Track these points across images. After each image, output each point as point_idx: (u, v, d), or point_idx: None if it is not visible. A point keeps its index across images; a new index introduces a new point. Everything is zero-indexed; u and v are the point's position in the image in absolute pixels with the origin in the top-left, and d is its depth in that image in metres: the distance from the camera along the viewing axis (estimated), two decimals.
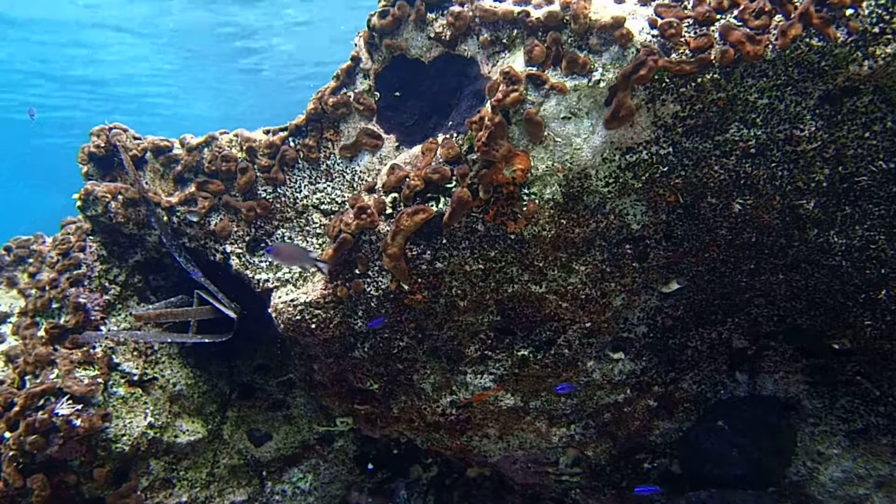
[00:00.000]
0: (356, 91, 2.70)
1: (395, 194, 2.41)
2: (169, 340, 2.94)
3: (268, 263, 2.82)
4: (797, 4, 1.96)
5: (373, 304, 2.53)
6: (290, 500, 3.32)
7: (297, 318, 2.63)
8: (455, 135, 2.38)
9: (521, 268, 2.42)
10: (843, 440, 2.67)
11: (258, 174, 2.80)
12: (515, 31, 2.27)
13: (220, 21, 11.22)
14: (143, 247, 3.00)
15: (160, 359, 2.97)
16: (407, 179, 2.35)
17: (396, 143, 2.67)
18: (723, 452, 2.70)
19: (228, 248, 2.84)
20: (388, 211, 2.41)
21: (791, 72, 2.00)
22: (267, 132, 2.84)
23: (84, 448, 2.59)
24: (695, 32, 2.04)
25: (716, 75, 2.02)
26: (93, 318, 2.84)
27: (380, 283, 2.48)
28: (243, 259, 2.84)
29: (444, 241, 2.35)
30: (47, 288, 2.91)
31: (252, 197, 2.81)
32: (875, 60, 1.92)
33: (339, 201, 2.77)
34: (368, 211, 2.41)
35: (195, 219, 2.83)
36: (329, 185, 2.78)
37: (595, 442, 2.93)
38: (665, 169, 2.19)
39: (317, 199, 2.79)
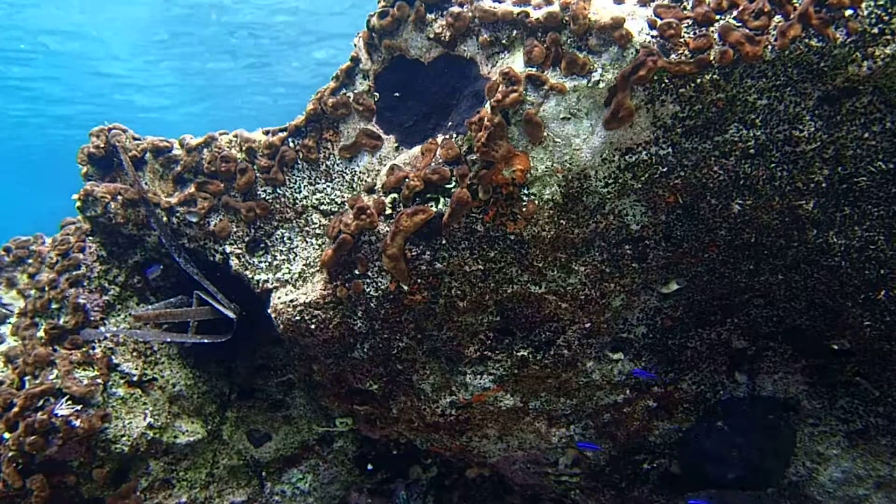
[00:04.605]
0: (356, 92, 2.70)
1: (395, 195, 2.41)
2: (169, 340, 2.94)
3: (267, 264, 2.82)
4: (796, 5, 1.96)
5: (372, 305, 2.53)
6: (289, 500, 3.32)
7: (297, 318, 2.63)
8: (455, 135, 2.38)
9: (520, 268, 2.42)
10: (842, 440, 2.67)
11: (258, 175, 2.80)
12: (515, 31, 2.27)
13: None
14: (142, 247, 3.00)
15: (159, 359, 2.97)
16: (406, 180, 2.35)
17: (396, 144, 2.67)
18: (722, 453, 2.70)
19: (228, 249, 2.85)
20: (388, 211, 2.41)
21: (790, 72, 2.00)
22: (266, 133, 2.84)
23: (83, 449, 2.59)
24: (694, 33, 2.04)
25: (715, 76, 2.02)
26: (92, 318, 2.84)
27: (379, 284, 2.48)
28: (243, 259, 2.84)
29: (444, 242, 2.35)
30: (47, 288, 2.91)
31: (251, 197, 2.81)
32: (874, 61, 1.92)
33: (339, 202, 2.77)
34: (368, 211, 2.41)
35: (195, 219, 2.83)
36: (328, 186, 2.78)
37: (594, 442, 2.93)
38: (664, 169, 2.19)
39: (316, 199, 2.79)
